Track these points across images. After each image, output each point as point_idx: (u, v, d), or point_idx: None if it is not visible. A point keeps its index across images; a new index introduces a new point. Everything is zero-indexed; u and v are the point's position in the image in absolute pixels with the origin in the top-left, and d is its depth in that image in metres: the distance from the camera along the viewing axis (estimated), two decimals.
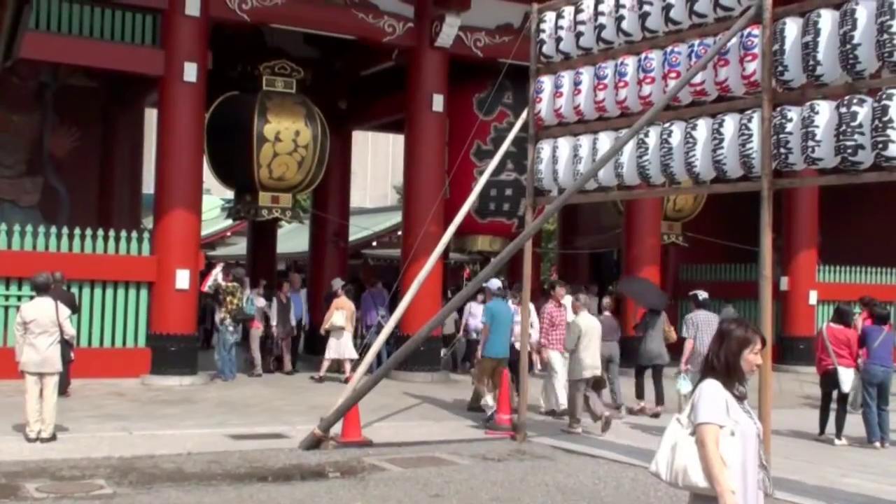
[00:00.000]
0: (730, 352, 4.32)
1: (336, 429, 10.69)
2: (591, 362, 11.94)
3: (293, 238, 33.43)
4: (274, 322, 17.48)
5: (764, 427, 7.65)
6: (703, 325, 12.31)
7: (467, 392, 15.39)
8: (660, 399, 13.58)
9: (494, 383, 12.39)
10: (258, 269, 24.14)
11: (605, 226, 24.14)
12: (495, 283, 13.53)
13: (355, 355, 16.21)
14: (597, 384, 12.20)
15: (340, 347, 16.43)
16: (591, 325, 12.21)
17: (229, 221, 35.55)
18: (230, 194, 22.13)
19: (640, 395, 14.00)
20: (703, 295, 13.29)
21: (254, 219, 19.75)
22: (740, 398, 4.34)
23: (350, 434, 10.72)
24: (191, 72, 15.42)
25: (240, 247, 36.26)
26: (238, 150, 17.90)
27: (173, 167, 15.62)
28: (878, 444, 11.40)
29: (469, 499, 8.28)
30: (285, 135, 17.88)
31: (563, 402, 12.83)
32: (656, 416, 13.19)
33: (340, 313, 16.45)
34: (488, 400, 12.37)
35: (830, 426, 11.85)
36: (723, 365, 4.32)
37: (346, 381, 14.49)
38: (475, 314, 16.09)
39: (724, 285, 22.01)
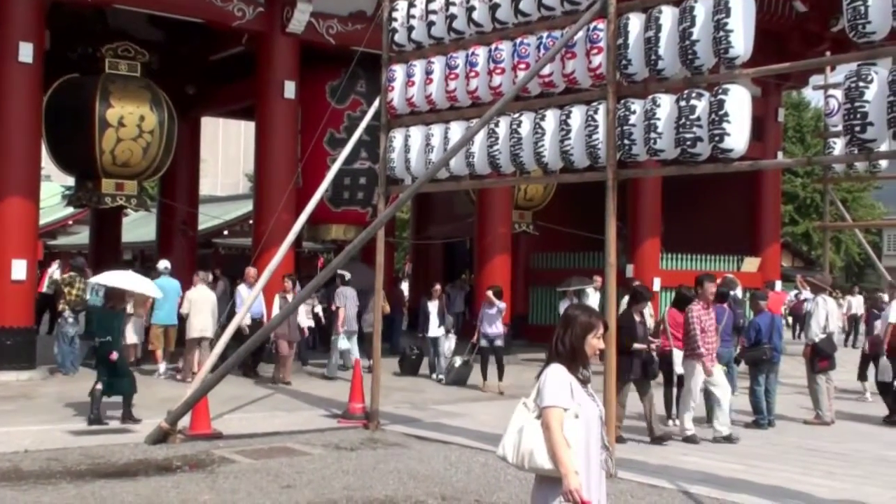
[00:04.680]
0: (574, 336, 4.43)
1: (185, 422, 10.44)
2: (200, 326, 14.72)
3: (140, 227, 32.50)
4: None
5: (608, 410, 7.92)
6: (349, 298, 15.83)
7: (322, 384, 15.30)
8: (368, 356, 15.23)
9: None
10: (102, 259, 23.28)
11: (459, 215, 24.39)
12: (163, 264, 16.42)
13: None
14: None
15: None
16: (200, 297, 14.83)
17: (70, 209, 34.21)
18: (72, 181, 21.28)
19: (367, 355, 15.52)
20: (347, 275, 16.31)
21: (96, 206, 19.07)
22: (584, 382, 4.46)
23: (199, 427, 10.48)
24: (26, 52, 14.67)
25: (82, 236, 35.04)
26: (79, 135, 17.20)
27: (8, 152, 14.82)
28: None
29: (321, 488, 8.23)
30: (129, 120, 17.30)
31: (687, 425, 11.10)
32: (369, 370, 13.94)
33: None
34: (160, 367, 15.13)
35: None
36: (567, 349, 4.43)
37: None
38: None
39: (573, 272, 22.55)
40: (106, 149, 17.20)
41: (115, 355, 11.03)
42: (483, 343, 15.14)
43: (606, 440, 4.52)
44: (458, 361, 15.69)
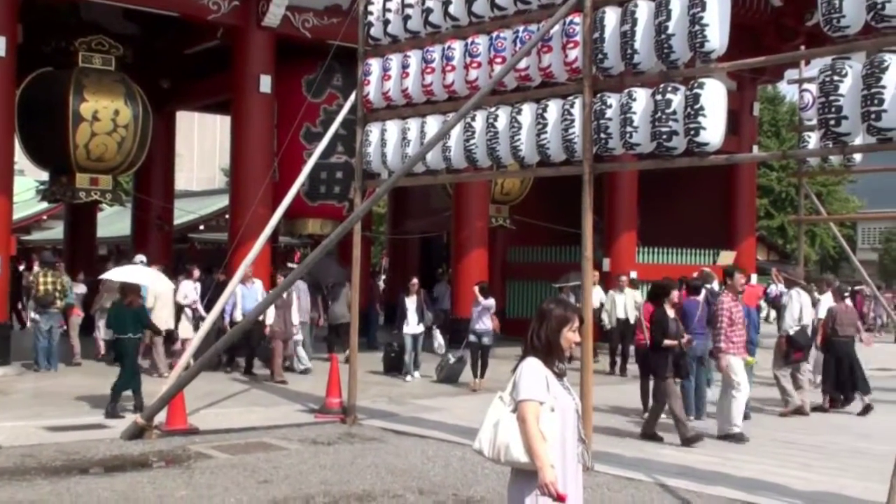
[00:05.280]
0: (550, 330, 4.43)
1: (161, 417, 10.39)
2: (166, 318, 14.70)
3: (115, 222, 32.32)
4: (270, 321, 14.80)
5: (585, 403, 7.93)
6: (301, 290, 15.89)
7: (299, 378, 15.24)
8: (340, 349, 15.68)
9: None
10: (77, 254, 23.14)
11: (435, 209, 24.37)
12: (139, 258, 16.50)
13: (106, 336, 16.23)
14: None
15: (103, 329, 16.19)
16: (162, 290, 14.74)
17: (45, 204, 33.92)
18: (46, 176, 21.12)
19: (330, 348, 16.44)
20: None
21: (71, 201, 18.94)
22: (560, 375, 4.46)
23: (175, 422, 10.44)
24: None
25: (57, 231, 34.79)
26: (52, 129, 17.07)
27: None
28: (692, 416, 11.91)
29: (298, 483, 8.21)
30: (104, 114, 17.19)
31: (737, 421, 10.75)
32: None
33: (109, 296, 16.07)
34: None
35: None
36: (543, 343, 4.43)
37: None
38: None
39: (549, 266, 22.63)
40: (80, 143, 17.07)
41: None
42: (471, 339, 14.76)
43: (583, 433, 4.52)
44: (451, 359, 15.34)
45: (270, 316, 14.75)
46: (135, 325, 11.64)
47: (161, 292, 14.90)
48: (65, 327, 16.18)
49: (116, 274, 12.75)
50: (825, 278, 15.78)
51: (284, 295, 14.69)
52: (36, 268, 16.63)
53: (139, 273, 12.79)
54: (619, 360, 16.94)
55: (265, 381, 14.79)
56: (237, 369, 15.75)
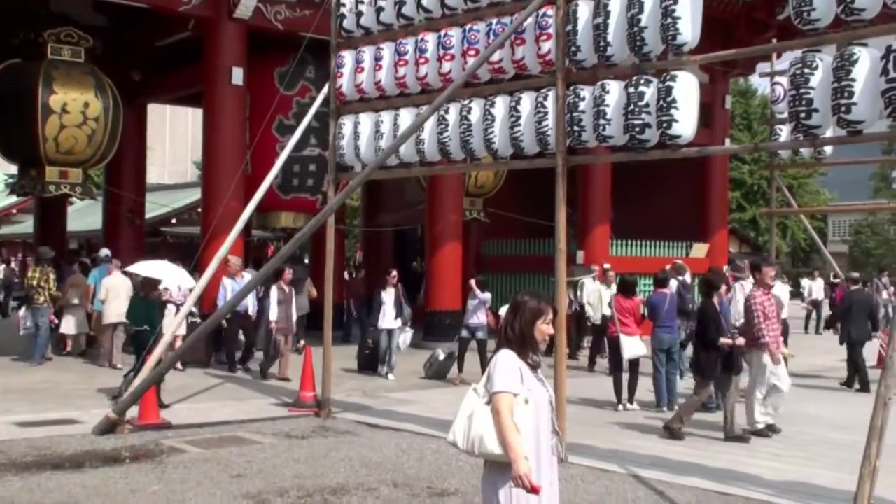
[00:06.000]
0: (524, 322, 4.43)
1: (133, 412, 10.31)
2: (117, 311, 14.81)
3: (86, 215, 32.09)
4: (273, 317, 14.49)
5: (559, 395, 7.95)
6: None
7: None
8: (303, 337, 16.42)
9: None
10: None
11: (410, 202, 24.34)
12: (104, 252, 16.85)
13: (88, 330, 16.68)
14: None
15: (77, 324, 16.50)
16: (116, 284, 15.28)
17: (14, 198, 33.62)
18: (15, 169, 20.90)
19: (297, 339, 16.55)
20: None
21: (40, 195, 18.77)
22: (534, 367, 4.46)
23: (147, 417, 10.36)
24: None
25: (27, 225, 34.49)
26: (21, 121, 16.91)
27: None
28: (665, 408, 12.02)
29: (272, 477, 8.18)
30: (73, 106, 17.02)
31: (757, 417, 10.56)
32: (299, 352, 14.01)
33: (74, 291, 16.39)
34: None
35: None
36: (517, 335, 4.43)
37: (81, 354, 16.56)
38: None
39: (523, 259, 22.69)
40: (49, 136, 16.91)
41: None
42: (464, 333, 14.54)
43: (556, 425, 4.53)
44: (441, 355, 14.99)
45: (274, 312, 14.49)
46: (152, 317, 11.91)
47: (112, 286, 15.13)
48: (56, 322, 16.17)
49: (139, 268, 12.92)
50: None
51: (287, 289, 14.72)
52: (13, 263, 16.57)
53: (160, 268, 12.79)
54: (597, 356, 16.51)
55: (245, 376, 14.73)
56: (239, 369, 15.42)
